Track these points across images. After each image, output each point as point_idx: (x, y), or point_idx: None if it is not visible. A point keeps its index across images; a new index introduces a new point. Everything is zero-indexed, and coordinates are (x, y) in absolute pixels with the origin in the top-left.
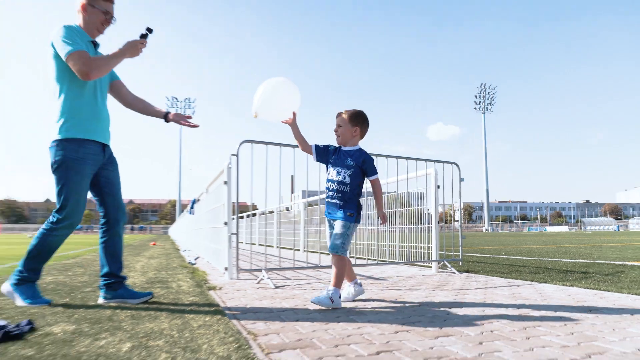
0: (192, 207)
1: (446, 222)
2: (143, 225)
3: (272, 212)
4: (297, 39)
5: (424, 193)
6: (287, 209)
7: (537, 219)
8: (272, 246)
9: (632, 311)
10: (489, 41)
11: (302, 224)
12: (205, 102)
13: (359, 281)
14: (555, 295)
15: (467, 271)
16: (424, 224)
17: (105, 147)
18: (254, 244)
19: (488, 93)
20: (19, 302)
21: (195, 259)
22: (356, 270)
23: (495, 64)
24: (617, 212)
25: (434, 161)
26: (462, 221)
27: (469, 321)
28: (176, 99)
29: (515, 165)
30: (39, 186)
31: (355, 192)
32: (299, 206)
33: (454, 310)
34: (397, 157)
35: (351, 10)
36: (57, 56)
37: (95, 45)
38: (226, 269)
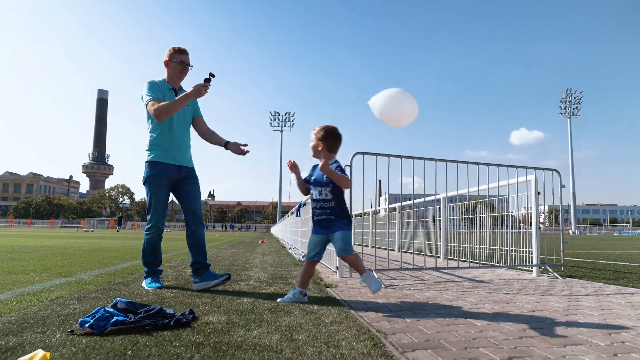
0: (298, 210)
1: (541, 226)
2: (249, 224)
3: (367, 214)
4: (390, 51)
5: (506, 198)
6: (377, 212)
7: (628, 222)
8: (368, 246)
9: None
10: (576, 42)
11: (397, 227)
12: (304, 114)
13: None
14: None
15: (570, 276)
16: (518, 229)
17: (180, 168)
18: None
19: (574, 98)
20: (144, 285)
21: (303, 257)
22: (457, 272)
23: (583, 66)
24: None
25: (535, 168)
26: (549, 224)
27: (593, 330)
28: (278, 113)
29: (603, 168)
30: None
31: (343, 204)
32: (388, 209)
33: (572, 318)
34: (497, 165)
35: (441, 15)
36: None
37: (179, 90)
38: (337, 268)
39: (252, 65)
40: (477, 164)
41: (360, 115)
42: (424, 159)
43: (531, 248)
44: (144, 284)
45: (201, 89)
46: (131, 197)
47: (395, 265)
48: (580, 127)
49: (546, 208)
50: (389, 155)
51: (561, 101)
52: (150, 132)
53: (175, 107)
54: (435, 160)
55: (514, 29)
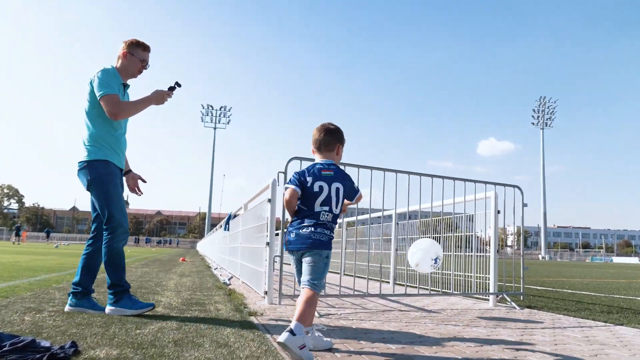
0: (227, 223)
1: (500, 248)
2: (170, 238)
3: None
4: (342, 48)
5: (473, 215)
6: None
7: (601, 248)
8: None
9: None
10: (549, 49)
11: (343, 245)
12: (242, 112)
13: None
14: (637, 342)
15: (529, 307)
16: (479, 252)
17: (120, 172)
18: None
19: (548, 107)
20: (129, 313)
21: (229, 279)
22: (405, 300)
23: (557, 75)
24: None
25: (494, 184)
26: (517, 248)
27: None
28: (211, 107)
29: (576, 187)
30: (67, 194)
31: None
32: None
33: (521, 355)
34: (454, 179)
35: (398, 18)
36: (92, 93)
37: (126, 87)
38: (266, 293)
39: (185, 50)
40: (432, 176)
41: (304, 113)
42: (371, 168)
43: (488, 274)
44: (128, 312)
45: (164, 96)
46: (20, 201)
47: (335, 290)
48: (554, 140)
49: (514, 229)
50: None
51: (534, 110)
52: (93, 126)
53: (136, 110)
54: (384, 170)
55: (487, 25)
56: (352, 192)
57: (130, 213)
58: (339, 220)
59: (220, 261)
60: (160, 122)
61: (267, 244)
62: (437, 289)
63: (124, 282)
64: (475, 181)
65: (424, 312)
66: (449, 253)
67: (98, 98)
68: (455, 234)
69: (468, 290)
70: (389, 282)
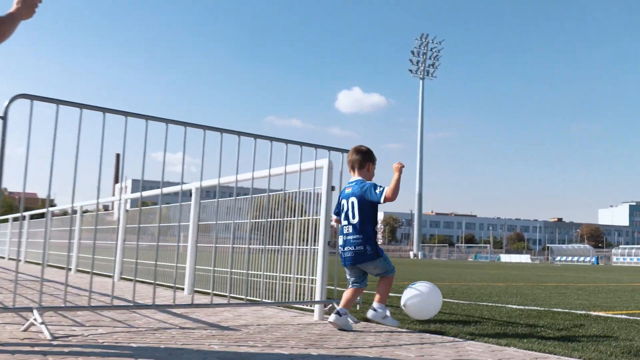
0: None
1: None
2: None
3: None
4: None
5: (295, 194)
6: (106, 208)
7: (488, 243)
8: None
9: None
10: None
11: (120, 235)
12: None
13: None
14: None
15: (367, 319)
16: (305, 244)
17: None
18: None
19: (431, 50)
20: None
21: None
22: (199, 314)
23: (444, 9)
24: (598, 236)
25: (329, 148)
26: (381, 241)
27: None
28: None
29: (462, 163)
30: None
31: None
32: (122, 206)
33: None
34: (255, 136)
35: None
36: None
37: None
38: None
39: None
40: (238, 133)
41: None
42: (147, 117)
43: (314, 275)
44: None
45: (35, 1)
46: None
47: (86, 300)
48: (438, 95)
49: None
50: (82, 106)
51: (413, 53)
52: None
53: (10, 29)
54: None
55: None
56: (370, 196)
57: None
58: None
59: None
60: None
61: None
62: (256, 298)
63: None
64: (300, 143)
65: (217, 329)
66: (266, 246)
67: None
68: (272, 219)
69: (286, 298)
70: (183, 289)
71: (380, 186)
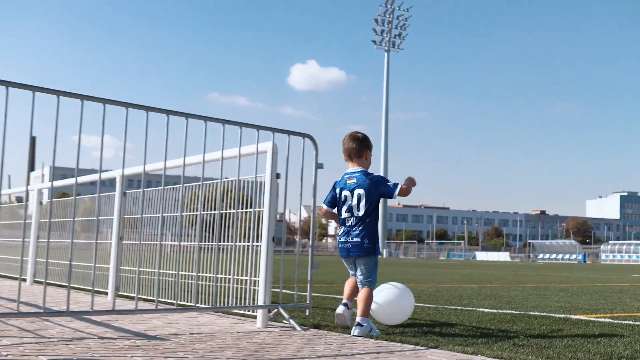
0: None
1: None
2: None
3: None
4: None
5: (234, 182)
6: (20, 200)
7: (462, 239)
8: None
9: None
10: None
11: (33, 232)
12: None
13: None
14: None
15: (317, 326)
16: (247, 241)
17: None
18: None
19: (397, 18)
20: None
21: None
22: (123, 319)
23: None
24: (586, 230)
25: (273, 130)
26: (317, 238)
27: None
28: None
29: (432, 148)
30: None
31: None
32: (35, 197)
33: None
34: (187, 115)
35: None
36: None
37: None
38: None
39: None
40: (166, 112)
41: None
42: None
43: (257, 276)
44: None
45: None
46: None
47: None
48: (405, 71)
49: (313, 206)
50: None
51: (376, 21)
52: None
53: None
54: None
55: None
56: (384, 190)
57: None
58: None
59: None
60: None
61: None
62: (189, 303)
63: None
64: (226, 122)
65: (142, 338)
66: (200, 244)
67: None
68: (205, 212)
69: (225, 303)
70: (107, 294)
71: (391, 181)
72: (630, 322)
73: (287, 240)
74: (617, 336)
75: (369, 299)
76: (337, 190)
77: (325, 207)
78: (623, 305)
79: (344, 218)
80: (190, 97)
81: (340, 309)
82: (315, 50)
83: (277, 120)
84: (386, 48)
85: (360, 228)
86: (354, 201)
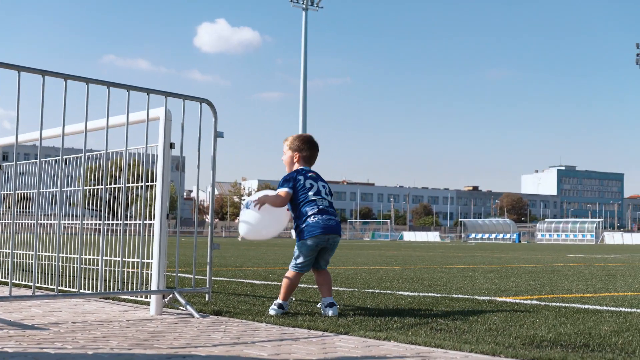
0: None
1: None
2: None
3: None
4: None
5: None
6: None
7: (388, 218)
8: None
9: None
10: None
11: None
12: None
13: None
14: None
15: (218, 312)
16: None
17: None
18: None
19: None
20: None
21: None
22: None
23: None
24: (521, 208)
25: (166, 94)
26: (216, 217)
27: None
28: None
29: (356, 118)
30: None
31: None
32: None
33: None
34: (66, 77)
35: None
36: None
37: None
38: None
39: None
40: (42, 72)
41: None
42: None
43: (150, 259)
44: None
45: None
46: None
47: None
48: (326, 31)
49: (212, 180)
50: None
51: None
52: None
53: None
54: None
55: None
56: None
57: None
58: None
59: None
60: None
61: None
62: (72, 289)
63: None
64: (111, 85)
65: (17, 328)
66: (83, 223)
67: None
68: (88, 187)
69: (110, 287)
70: None
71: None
72: (558, 304)
73: (199, 221)
74: (541, 318)
75: (330, 279)
76: (304, 179)
77: (287, 190)
78: (552, 286)
79: (318, 199)
80: (82, 60)
81: (330, 312)
82: (225, 8)
83: (183, 86)
84: (304, 6)
85: (334, 210)
86: (326, 191)
